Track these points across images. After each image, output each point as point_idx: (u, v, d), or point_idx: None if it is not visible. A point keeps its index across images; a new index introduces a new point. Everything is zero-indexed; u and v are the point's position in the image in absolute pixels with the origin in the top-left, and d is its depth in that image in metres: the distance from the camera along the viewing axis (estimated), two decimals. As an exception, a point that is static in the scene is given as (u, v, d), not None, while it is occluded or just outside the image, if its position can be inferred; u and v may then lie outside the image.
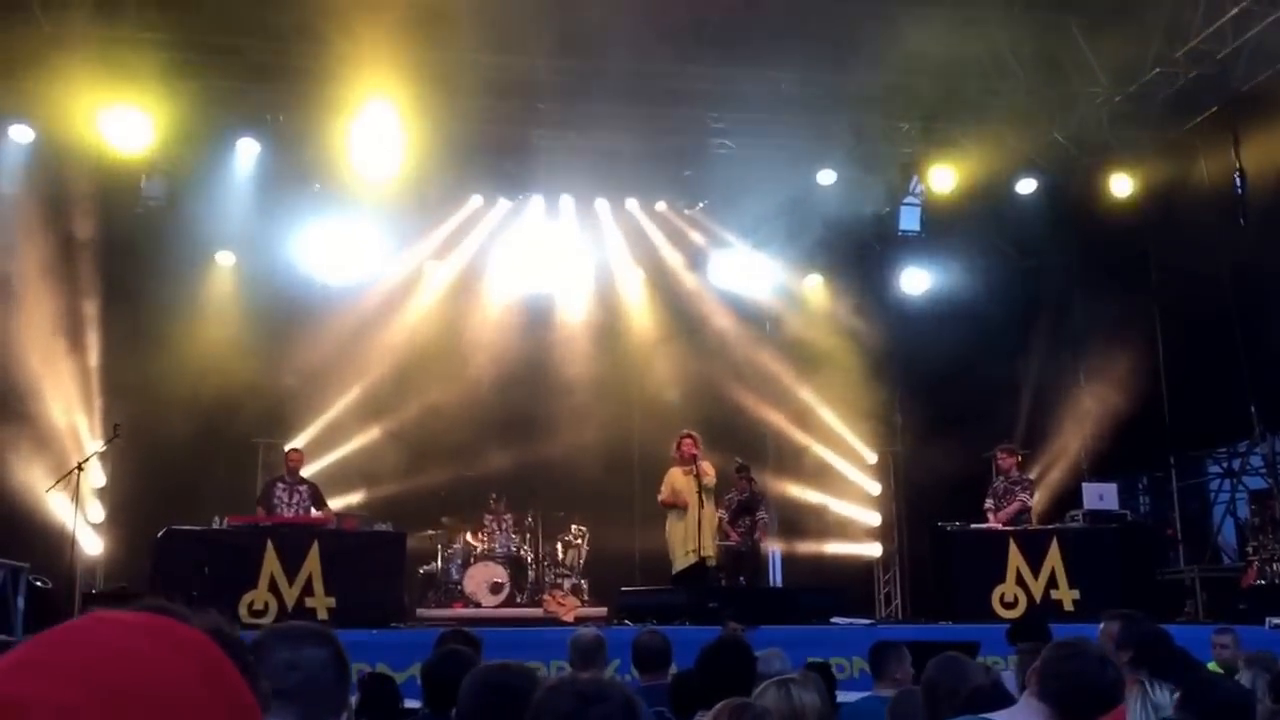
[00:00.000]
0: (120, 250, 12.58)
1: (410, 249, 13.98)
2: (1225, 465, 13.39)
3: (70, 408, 12.32)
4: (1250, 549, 11.35)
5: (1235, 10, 10.91)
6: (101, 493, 12.53)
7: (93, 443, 11.93)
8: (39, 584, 9.85)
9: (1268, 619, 9.24)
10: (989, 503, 11.00)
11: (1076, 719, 2.54)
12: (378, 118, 12.07)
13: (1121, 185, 13.37)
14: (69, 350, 12.38)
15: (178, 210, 12.93)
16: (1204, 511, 13.73)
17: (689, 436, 10.40)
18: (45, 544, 11.15)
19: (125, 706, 0.75)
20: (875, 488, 14.79)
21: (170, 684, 0.78)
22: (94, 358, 12.54)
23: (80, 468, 10.70)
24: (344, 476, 12.78)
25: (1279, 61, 11.13)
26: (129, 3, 11.03)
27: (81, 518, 11.29)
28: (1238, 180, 12.66)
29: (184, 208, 12.89)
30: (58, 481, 10.92)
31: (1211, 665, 6.23)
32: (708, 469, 10.27)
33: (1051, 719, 2.56)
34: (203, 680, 0.80)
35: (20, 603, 9.34)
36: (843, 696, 5.33)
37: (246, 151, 12.58)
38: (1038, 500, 13.66)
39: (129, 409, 11.68)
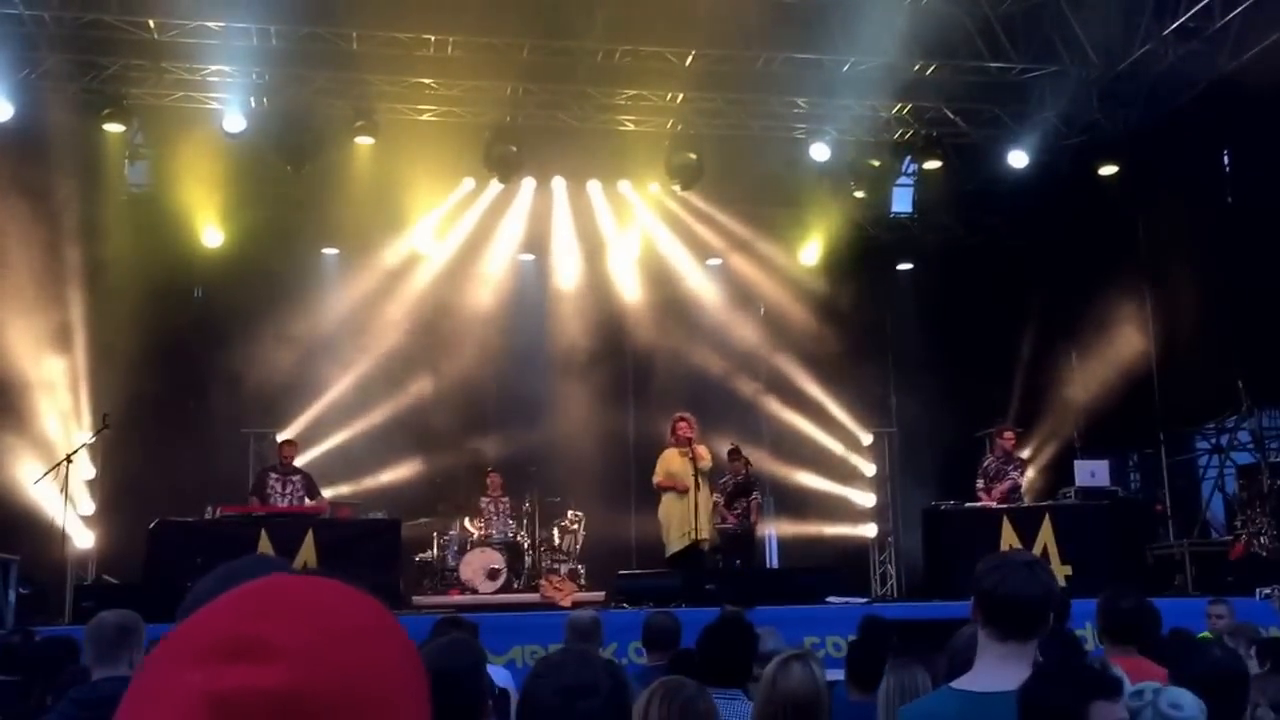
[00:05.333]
0: (106, 237, 12.47)
1: (402, 233, 13.90)
2: (1214, 441, 13.46)
3: (58, 399, 12.24)
4: (1238, 523, 11.43)
5: (1223, -13, 10.90)
6: (91, 485, 12.46)
7: (81, 434, 11.86)
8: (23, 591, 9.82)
9: (1257, 590, 9.32)
10: (980, 483, 11.01)
11: (1017, 634, 2.44)
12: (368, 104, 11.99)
13: (1110, 163, 13.37)
14: (56, 341, 12.29)
15: (163, 195, 12.84)
16: (1193, 487, 13.82)
17: (684, 419, 10.39)
18: (35, 537, 11.07)
19: (357, 657, 0.75)
20: (870, 468, 14.83)
21: (386, 644, 0.78)
22: (81, 348, 12.45)
23: (69, 459, 10.60)
24: (337, 465, 12.73)
25: (1266, 38, 11.11)
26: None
27: (71, 510, 11.23)
28: (1225, 158, 12.69)
29: (169, 192, 12.79)
30: (46, 473, 10.82)
31: (1205, 635, 6.28)
32: (704, 452, 10.27)
33: (996, 640, 2.45)
34: (403, 650, 0.80)
35: (12, 596, 9.32)
36: (835, 675, 5.34)
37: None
38: (1030, 478, 13.76)
39: (117, 400, 11.60)
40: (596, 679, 1.89)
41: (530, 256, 14.58)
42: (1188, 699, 3.03)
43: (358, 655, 0.75)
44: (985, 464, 11.15)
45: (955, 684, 2.57)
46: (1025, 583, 2.46)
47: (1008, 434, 11.18)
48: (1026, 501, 11.26)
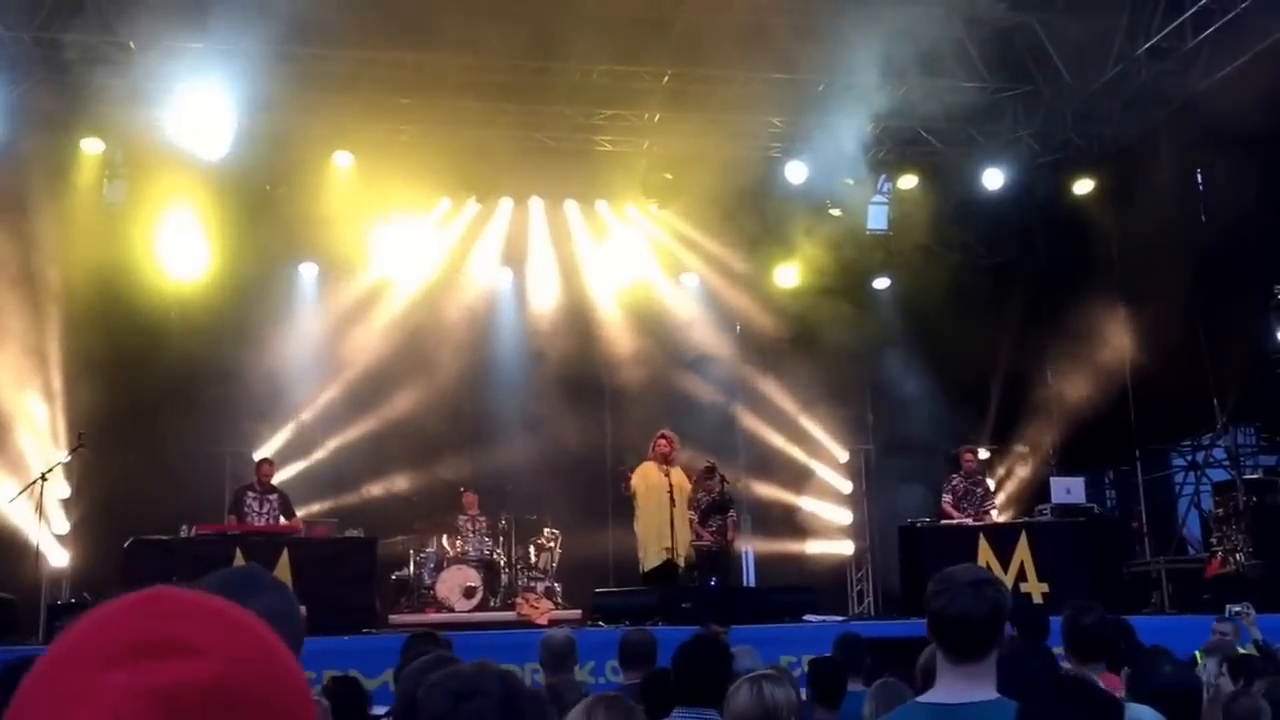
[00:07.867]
0: (83, 255, 12.40)
1: (379, 252, 13.87)
2: (1189, 458, 13.56)
3: (33, 417, 12.15)
4: (1214, 540, 11.49)
5: (1194, 8, 11.04)
6: (66, 503, 12.36)
7: (56, 453, 11.77)
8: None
9: (1227, 606, 9.37)
10: (947, 497, 11.05)
11: (970, 653, 2.43)
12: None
13: (1085, 182, 13.51)
14: (31, 359, 12.20)
15: (141, 214, 12.80)
16: (1169, 504, 13.91)
17: (663, 436, 10.46)
18: (9, 556, 11.00)
19: (266, 656, 0.77)
20: (847, 486, 14.86)
21: (280, 648, 0.80)
22: (56, 366, 12.36)
23: (44, 478, 10.54)
24: (314, 483, 12.67)
25: (1238, 58, 11.27)
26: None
27: (46, 529, 11.14)
28: (1199, 176, 12.83)
29: (147, 211, 12.75)
30: (21, 492, 10.74)
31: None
32: (682, 481, 10.35)
33: (952, 660, 2.45)
34: (292, 657, 0.82)
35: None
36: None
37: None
38: (1005, 494, 13.87)
39: (92, 419, 11.52)
40: (488, 684, 1.84)
41: (507, 275, 14.59)
42: (1150, 715, 3.06)
43: (266, 654, 0.77)
44: (954, 482, 11.19)
45: (922, 698, 2.58)
46: (972, 601, 2.44)
47: (968, 456, 11.29)
48: (1002, 518, 11.30)
